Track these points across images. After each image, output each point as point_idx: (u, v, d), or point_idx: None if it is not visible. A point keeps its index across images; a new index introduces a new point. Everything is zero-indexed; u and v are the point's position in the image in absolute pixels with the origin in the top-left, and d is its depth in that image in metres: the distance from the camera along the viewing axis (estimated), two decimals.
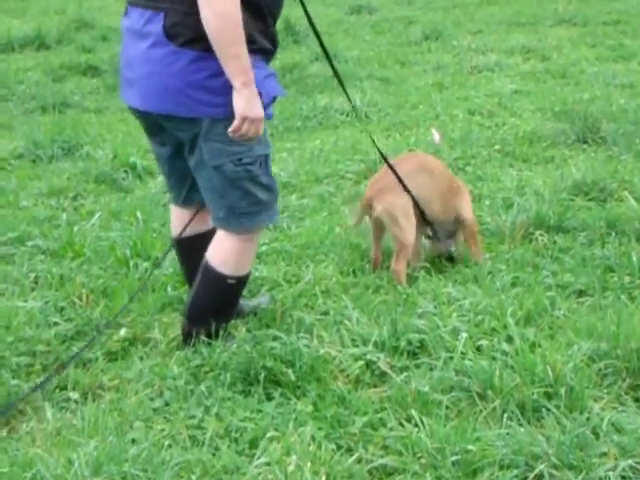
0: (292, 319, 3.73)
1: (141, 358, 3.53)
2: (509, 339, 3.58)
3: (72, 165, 6.08)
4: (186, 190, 3.68)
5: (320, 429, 3.05)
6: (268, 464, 2.81)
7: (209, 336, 3.53)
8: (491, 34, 11.54)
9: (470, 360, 3.41)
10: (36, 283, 4.18)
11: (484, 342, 3.55)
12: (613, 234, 4.65)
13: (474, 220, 4.59)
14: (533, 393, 3.15)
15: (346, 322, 3.70)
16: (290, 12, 12.43)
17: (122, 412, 3.10)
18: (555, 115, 7.20)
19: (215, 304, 3.58)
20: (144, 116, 3.46)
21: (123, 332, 3.69)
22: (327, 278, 4.24)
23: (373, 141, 4.38)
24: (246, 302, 3.93)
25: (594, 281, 4.16)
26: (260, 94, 3.22)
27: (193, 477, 2.76)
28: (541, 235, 4.73)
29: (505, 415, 3.10)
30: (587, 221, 4.81)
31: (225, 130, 3.23)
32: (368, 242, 4.57)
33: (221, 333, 3.54)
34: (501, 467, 2.85)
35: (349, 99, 4.36)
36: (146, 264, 4.31)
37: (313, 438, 2.98)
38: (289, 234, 4.90)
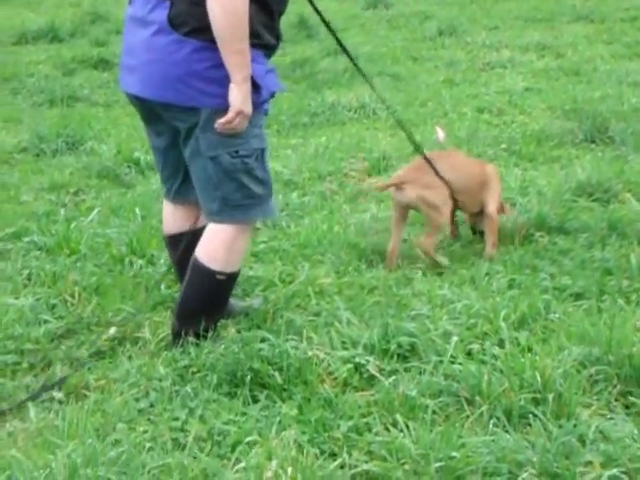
0: (282, 320, 3.69)
1: (129, 358, 3.50)
2: (501, 343, 3.55)
3: (75, 160, 6.08)
4: (178, 184, 3.68)
5: (304, 433, 3.01)
6: (248, 469, 2.78)
7: (198, 336, 3.50)
8: (507, 30, 11.46)
9: (460, 364, 3.37)
10: (29, 280, 4.16)
11: (475, 346, 3.51)
12: (614, 236, 4.59)
13: (496, 216, 4.64)
14: (520, 399, 3.11)
15: (337, 324, 3.66)
16: (304, 7, 12.43)
17: (105, 413, 3.08)
18: (565, 114, 7.14)
19: (204, 301, 3.54)
20: (142, 104, 3.47)
21: (113, 331, 3.67)
22: (322, 278, 4.20)
23: (408, 135, 4.58)
24: (238, 302, 3.91)
25: (592, 284, 4.11)
26: (260, 89, 3.28)
27: None
28: (541, 237, 4.68)
29: (492, 421, 3.06)
30: (589, 223, 4.76)
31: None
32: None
33: (210, 334, 3.51)
34: (485, 474, 2.82)
35: (373, 88, 4.57)
36: (141, 262, 4.29)
37: (296, 442, 2.95)
38: (288, 233, 4.87)
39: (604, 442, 2.92)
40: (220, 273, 3.47)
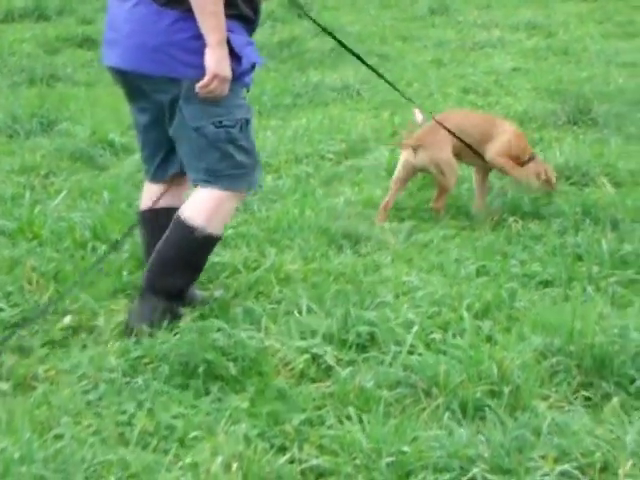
0: (241, 308, 3.62)
1: (83, 347, 3.43)
2: (463, 332, 3.47)
3: (49, 141, 5.97)
4: (157, 163, 3.67)
5: (255, 427, 2.93)
6: (190, 466, 2.71)
7: (170, 297, 3.50)
8: (499, 9, 11.36)
9: (419, 355, 3.30)
10: None
11: (436, 335, 3.44)
12: (588, 221, 4.51)
13: (498, 159, 4.84)
14: (477, 391, 3.04)
15: (297, 313, 3.59)
16: None
17: (51, 406, 3.00)
18: (550, 95, 7.06)
19: (181, 256, 3.51)
20: (124, 77, 3.47)
21: (68, 319, 3.59)
22: (288, 265, 4.12)
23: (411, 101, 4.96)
24: (199, 292, 3.82)
25: (561, 271, 4.04)
26: (240, 59, 3.30)
27: (112, 478, 2.66)
28: (515, 222, 4.60)
29: (447, 414, 2.99)
30: (563, 207, 4.67)
31: None
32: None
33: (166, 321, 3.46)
34: (435, 470, 2.74)
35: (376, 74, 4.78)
36: (104, 247, 4.20)
37: (246, 437, 2.88)
38: (258, 217, 4.78)
39: (559, 436, 2.85)
40: (199, 231, 3.46)
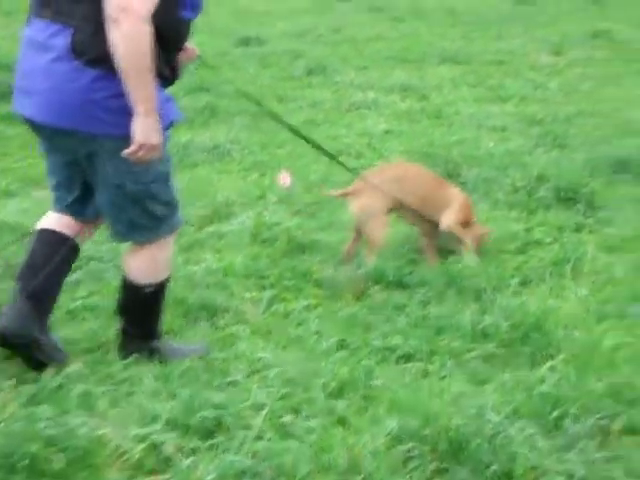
0: (77, 391, 3.35)
1: None
2: (316, 415, 3.28)
3: None
4: (71, 200, 3.68)
5: None
6: None
7: (144, 337, 3.73)
8: (376, 70, 11.37)
9: (269, 440, 3.10)
10: None
11: (287, 418, 3.24)
12: (452, 291, 4.41)
13: (454, 227, 4.83)
14: None
15: (136, 395, 3.34)
16: None
17: None
18: (420, 158, 6.97)
19: (139, 309, 3.74)
20: (39, 128, 3.48)
21: None
22: None
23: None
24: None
25: (423, 344, 3.91)
26: (161, 117, 3.29)
27: None
28: (378, 292, 4.47)
29: None
30: (427, 277, 4.56)
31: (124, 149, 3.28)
32: None
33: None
34: None
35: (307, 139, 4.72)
36: None
37: None
38: (111, 287, 4.50)
39: None
40: (148, 286, 3.66)
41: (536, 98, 9.45)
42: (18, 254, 4.62)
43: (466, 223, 4.85)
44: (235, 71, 11.45)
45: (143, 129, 3.25)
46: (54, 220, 3.76)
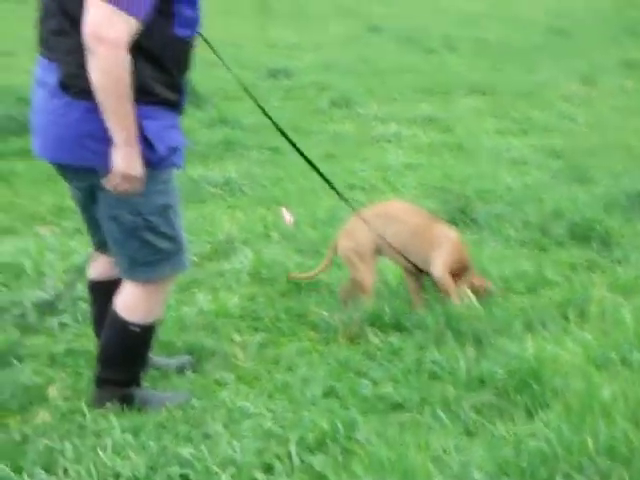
0: (41, 446, 3.19)
1: None
2: (291, 472, 3.10)
3: None
4: (98, 237, 3.63)
5: None
6: None
7: (122, 384, 3.57)
8: (401, 102, 11.22)
9: None
10: None
11: (258, 475, 3.06)
12: (450, 334, 4.20)
13: (444, 278, 4.47)
14: None
15: (102, 449, 3.17)
16: (195, 75, 12.08)
17: None
18: (435, 192, 6.81)
19: (121, 351, 3.59)
20: (51, 163, 3.47)
21: None
22: None
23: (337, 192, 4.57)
24: (165, 360, 3.97)
25: (414, 392, 3.71)
26: (153, 146, 3.23)
27: None
28: (375, 334, 4.27)
29: None
30: (425, 319, 4.36)
31: None
32: None
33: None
34: None
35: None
36: None
37: None
38: None
39: None
40: (134, 325, 3.51)
41: (561, 130, 9.25)
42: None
43: (460, 268, 4.54)
44: (260, 103, 11.34)
45: (122, 159, 3.18)
46: (97, 264, 3.79)
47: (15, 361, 4.02)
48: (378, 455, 3.13)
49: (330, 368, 3.99)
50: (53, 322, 4.40)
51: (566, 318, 4.32)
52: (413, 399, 3.68)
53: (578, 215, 5.70)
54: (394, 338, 4.26)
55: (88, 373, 3.84)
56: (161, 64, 3.28)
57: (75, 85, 3.21)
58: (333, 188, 4.48)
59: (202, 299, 4.75)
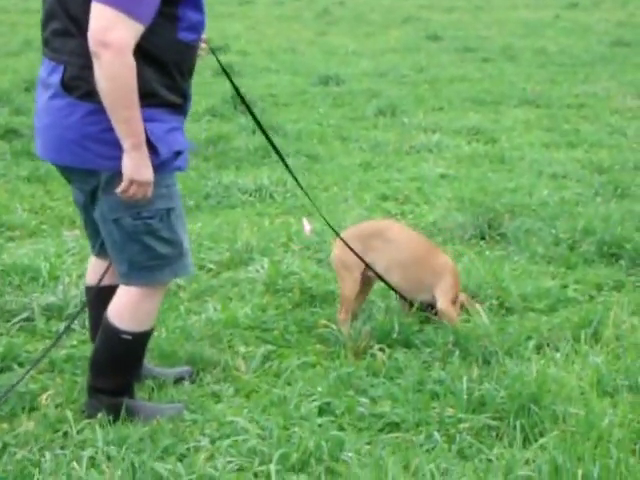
0: (17, 457, 3.14)
1: None
2: None
3: None
4: (100, 241, 3.59)
5: None
6: None
7: (113, 393, 3.51)
8: (450, 112, 11.08)
9: None
10: None
11: None
12: (457, 353, 4.08)
13: (450, 311, 4.37)
14: None
15: (80, 462, 3.11)
16: (241, 81, 12.07)
17: None
18: (467, 206, 6.66)
19: (112, 359, 3.54)
20: (53, 165, 3.48)
21: None
22: None
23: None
24: (164, 370, 3.93)
25: (410, 413, 3.59)
26: (156, 149, 3.20)
27: None
28: (380, 350, 4.17)
29: None
30: (434, 337, 4.24)
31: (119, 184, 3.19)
32: None
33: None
34: None
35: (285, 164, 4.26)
36: None
37: None
38: None
39: None
40: (126, 332, 3.46)
41: (609, 144, 9.00)
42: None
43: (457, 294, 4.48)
44: (307, 110, 11.30)
45: (132, 165, 3.15)
46: (95, 270, 3.75)
47: (16, 366, 4.01)
48: (359, 478, 3.02)
49: (330, 384, 3.88)
50: (60, 327, 4.37)
51: (579, 339, 4.16)
52: (410, 419, 3.57)
53: (609, 233, 5.51)
54: (400, 354, 4.15)
55: (84, 381, 3.79)
56: (164, 68, 3.25)
57: (78, 87, 3.20)
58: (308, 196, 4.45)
59: (211, 308, 4.69)
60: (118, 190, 3.19)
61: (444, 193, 7.14)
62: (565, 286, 5.04)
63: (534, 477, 3.00)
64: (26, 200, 6.75)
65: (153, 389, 3.84)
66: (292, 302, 4.83)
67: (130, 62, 3.06)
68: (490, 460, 3.24)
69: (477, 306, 4.47)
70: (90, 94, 3.16)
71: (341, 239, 4.43)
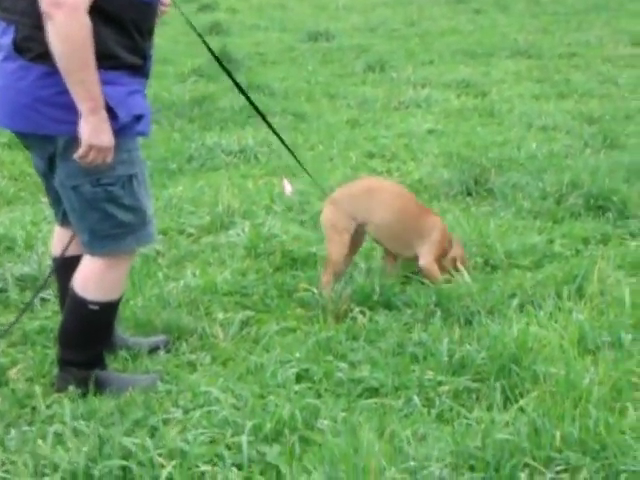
0: None
1: None
2: (241, 465, 2.93)
3: None
4: (63, 210, 3.47)
5: None
6: None
7: (83, 366, 3.42)
8: (440, 65, 10.92)
9: None
10: None
11: (205, 468, 2.89)
12: (439, 313, 3.99)
13: (432, 269, 4.35)
14: None
15: (48, 438, 3.03)
16: (227, 39, 11.89)
17: None
18: (454, 161, 6.54)
19: (81, 330, 3.45)
20: (8, 130, 3.35)
21: None
22: None
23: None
24: (139, 339, 3.84)
25: (390, 377, 3.51)
26: (115, 114, 3.07)
27: None
28: (361, 313, 4.07)
29: None
30: (416, 298, 4.15)
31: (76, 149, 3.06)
32: None
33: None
34: None
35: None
36: None
37: None
38: None
39: None
40: (93, 303, 3.36)
41: (600, 94, 8.87)
42: None
43: (445, 250, 4.40)
44: (296, 68, 11.13)
45: (90, 129, 3.01)
46: (60, 239, 3.62)
47: None
48: (333, 446, 2.94)
49: (309, 349, 3.79)
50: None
51: (562, 296, 4.06)
52: (389, 383, 3.48)
53: (596, 185, 5.40)
54: (381, 317, 4.06)
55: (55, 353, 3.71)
56: (122, 27, 3.11)
57: (30, 48, 3.05)
58: (305, 169, 4.37)
59: (190, 274, 4.59)
60: (76, 156, 3.05)
61: (431, 149, 7.02)
62: (551, 241, 4.94)
63: (513, 440, 2.91)
64: (6, 167, 6.64)
65: (127, 359, 3.75)
66: (273, 266, 4.74)
67: (85, 22, 2.92)
68: (470, 424, 3.15)
69: (459, 266, 4.37)
70: (43, 56, 3.01)
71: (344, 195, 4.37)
